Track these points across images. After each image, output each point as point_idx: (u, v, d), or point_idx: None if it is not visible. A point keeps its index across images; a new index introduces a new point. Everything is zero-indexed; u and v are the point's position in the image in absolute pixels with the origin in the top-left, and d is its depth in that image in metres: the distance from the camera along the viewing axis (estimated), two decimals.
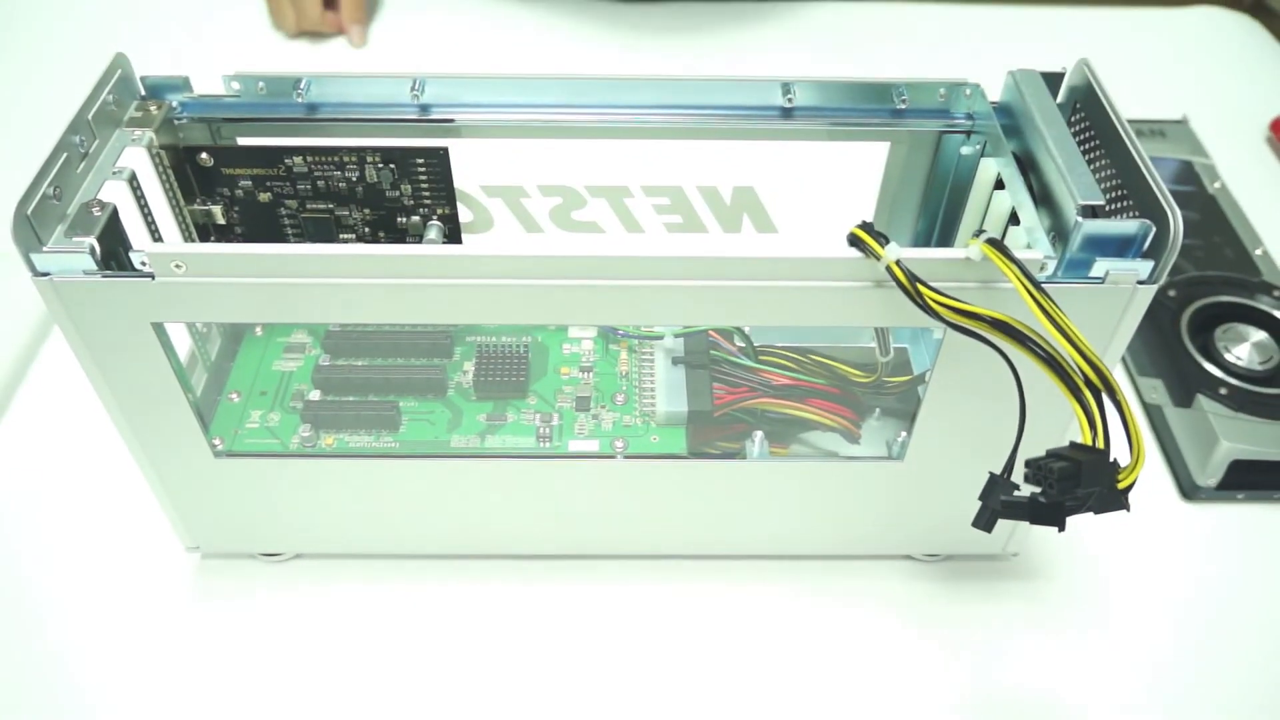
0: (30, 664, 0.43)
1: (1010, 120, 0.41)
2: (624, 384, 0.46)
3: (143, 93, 0.42)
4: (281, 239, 0.44)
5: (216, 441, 0.41)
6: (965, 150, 0.44)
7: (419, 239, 0.44)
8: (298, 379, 0.46)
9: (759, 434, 0.44)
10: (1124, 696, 0.43)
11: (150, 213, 0.41)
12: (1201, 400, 0.51)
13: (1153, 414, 0.53)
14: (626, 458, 0.43)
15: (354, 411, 0.44)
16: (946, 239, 0.46)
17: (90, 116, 0.38)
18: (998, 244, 0.33)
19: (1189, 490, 0.50)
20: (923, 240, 0.48)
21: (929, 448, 0.41)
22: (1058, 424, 0.40)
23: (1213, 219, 0.63)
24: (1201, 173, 0.67)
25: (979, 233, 0.34)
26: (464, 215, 0.45)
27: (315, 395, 0.45)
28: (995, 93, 0.43)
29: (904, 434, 0.42)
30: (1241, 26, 0.88)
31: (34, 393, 0.54)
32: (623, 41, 0.80)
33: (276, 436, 0.44)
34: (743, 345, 0.47)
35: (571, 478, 0.43)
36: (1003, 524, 0.37)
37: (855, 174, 0.48)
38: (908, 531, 0.46)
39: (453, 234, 0.44)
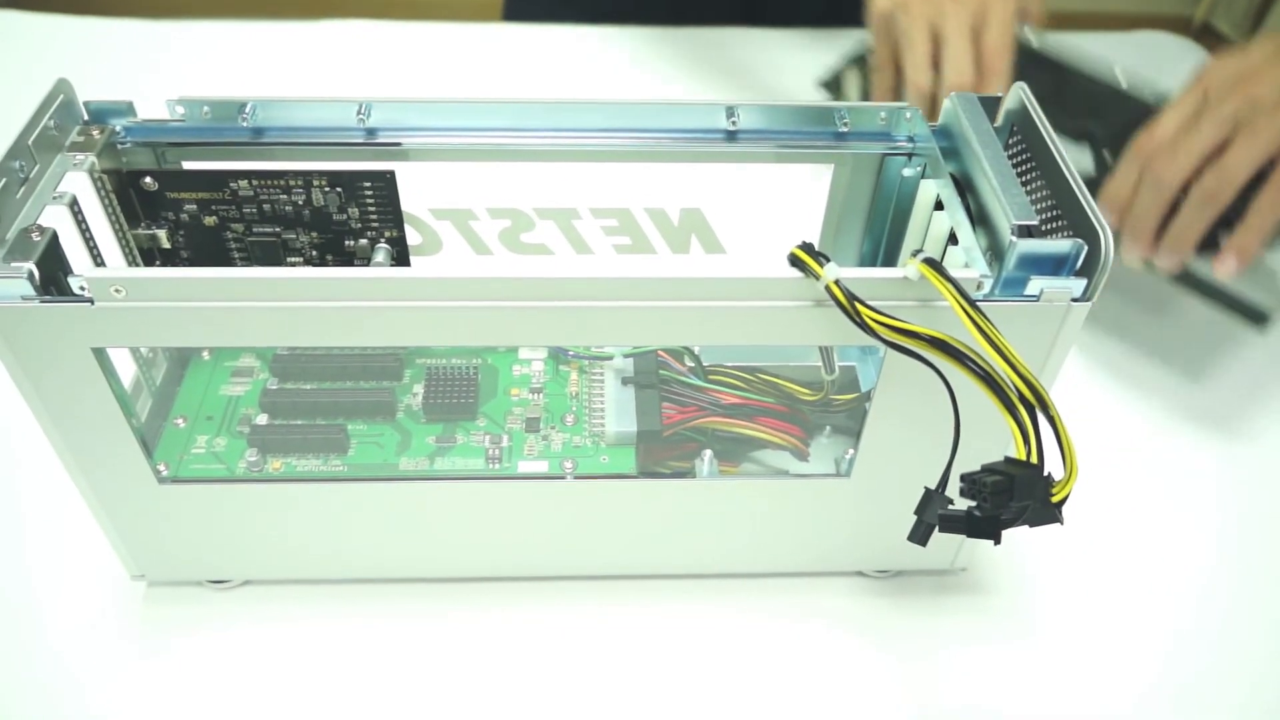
0: None
1: (949, 143, 0.42)
2: (574, 404, 0.46)
3: (85, 117, 0.41)
4: (228, 263, 0.44)
5: (161, 467, 0.41)
6: (907, 172, 0.44)
7: (367, 262, 0.44)
8: (245, 403, 0.46)
9: (708, 453, 0.44)
10: (1070, 709, 0.44)
11: (92, 237, 0.40)
12: None
13: None
14: (576, 478, 0.43)
15: (302, 435, 0.44)
16: (891, 259, 0.47)
17: (30, 141, 0.38)
18: (934, 263, 0.34)
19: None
20: (868, 261, 0.49)
21: (875, 464, 0.42)
22: (997, 440, 0.40)
23: None
24: None
25: (917, 252, 0.35)
26: (412, 238, 0.45)
27: (263, 419, 0.45)
28: None
29: (851, 451, 0.43)
30: (1188, 51, 0.90)
31: None
32: (574, 65, 0.81)
33: (223, 462, 0.43)
34: (692, 365, 0.47)
35: (521, 499, 0.43)
36: (950, 539, 0.37)
37: (801, 196, 0.49)
38: (858, 548, 0.47)
39: (401, 257, 0.44)
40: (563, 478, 0.43)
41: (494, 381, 0.47)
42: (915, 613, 0.47)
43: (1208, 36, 2.28)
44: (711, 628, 0.46)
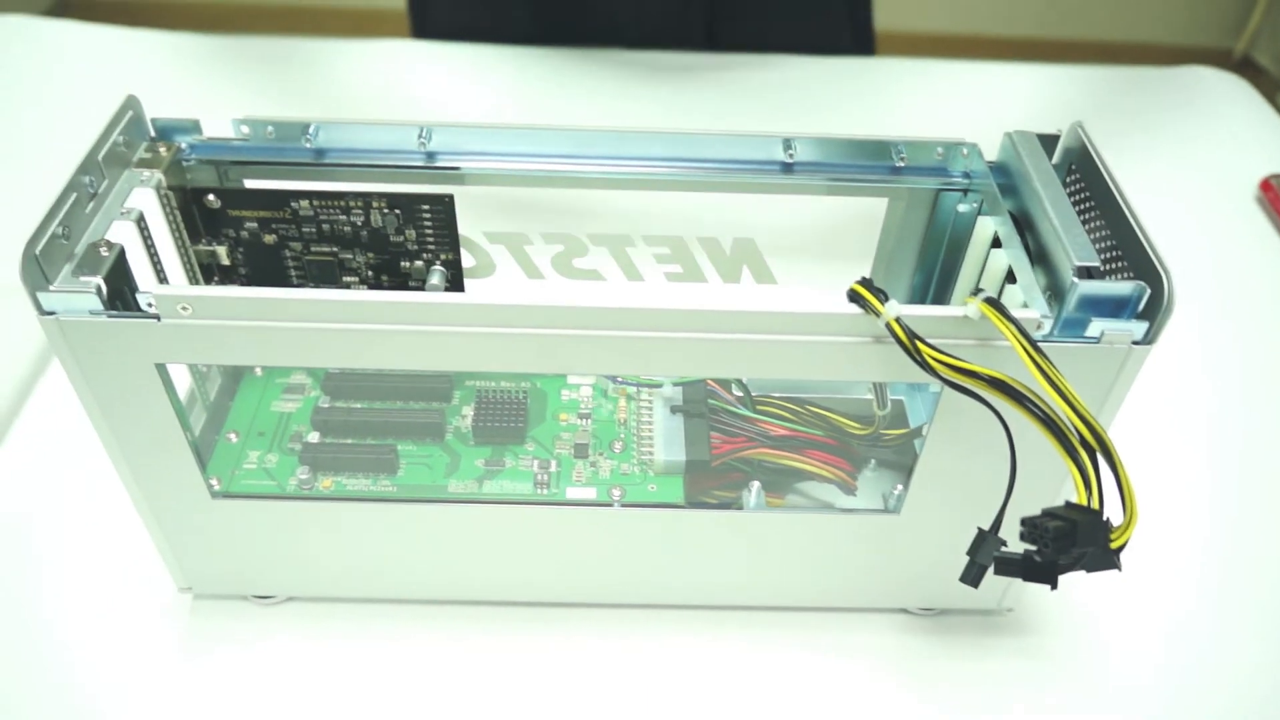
0: (19, 703, 0.43)
1: (1006, 179, 0.42)
2: (622, 431, 0.46)
3: (153, 134, 0.42)
4: (285, 281, 0.45)
5: (214, 482, 0.41)
6: (962, 207, 0.44)
7: (422, 284, 0.45)
8: (296, 420, 0.46)
9: (756, 484, 0.44)
10: None
11: (156, 253, 0.41)
12: None
13: None
14: (624, 506, 0.43)
15: (352, 454, 0.44)
16: (943, 292, 0.47)
17: (100, 157, 0.38)
18: (996, 303, 0.34)
19: None
20: (919, 293, 0.49)
21: (926, 502, 0.42)
22: (1052, 480, 0.40)
23: None
24: None
25: (977, 291, 0.35)
26: (466, 261, 0.45)
27: (314, 437, 0.45)
28: (990, 149, 0.44)
29: (900, 487, 0.43)
30: (1232, 86, 0.89)
31: (29, 427, 0.54)
32: (623, 89, 0.81)
33: (274, 478, 0.44)
34: (740, 395, 0.47)
35: (569, 525, 0.43)
36: (998, 579, 0.37)
37: (854, 227, 0.49)
38: (904, 584, 0.46)
39: (455, 279, 0.45)
40: (610, 505, 0.43)
41: (543, 406, 0.47)
42: (961, 653, 0.46)
43: (1248, 70, 2.27)
44: (753, 661, 0.46)
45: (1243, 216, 0.73)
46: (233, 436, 0.45)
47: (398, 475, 0.44)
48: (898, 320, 0.34)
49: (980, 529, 0.36)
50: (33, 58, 0.82)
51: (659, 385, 0.48)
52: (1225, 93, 0.88)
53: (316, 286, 0.45)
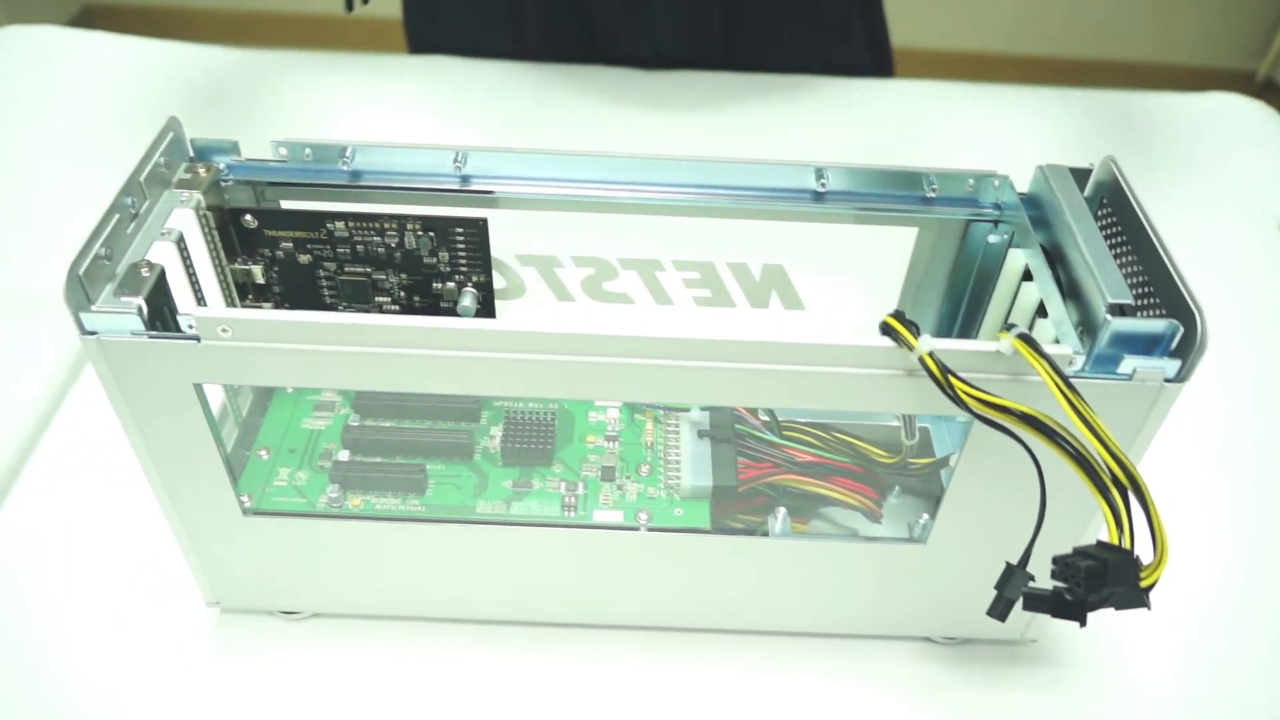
0: (46, 714, 0.43)
1: (1038, 211, 0.42)
2: (649, 455, 0.47)
3: (192, 155, 0.43)
4: (318, 300, 0.45)
5: (245, 499, 0.42)
6: (992, 239, 0.44)
7: (453, 305, 0.45)
8: (326, 437, 0.47)
9: (782, 510, 0.44)
10: None
11: (194, 272, 0.42)
12: None
13: None
14: (650, 530, 0.43)
15: (382, 474, 0.45)
16: (970, 322, 0.47)
17: (142, 179, 0.39)
18: (1029, 339, 0.34)
19: None
20: (946, 322, 0.49)
21: (953, 533, 0.42)
22: (1081, 515, 0.40)
23: None
24: None
25: (1009, 326, 0.35)
26: (497, 282, 0.45)
27: (344, 455, 0.46)
28: (1019, 177, 0.44)
29: (926, 516, 0.43)
30: (1257, 113, 0.89)
31: (60, 437, 0.55)
32: (654, 111, 0.82)
33: (304, 495, 0.44)
34: (767, 420, 0.47)
35: (595, 548, 0.43)
36: (1023, 611, 0.37)
37: (883, 256, 0.49)
38: (928, 614, 0.46)
39: (487, 301, 0.45)
40: (637, 529, 0.43)
41: (570, 427, 0.48)
42: (985, 684, 0.46)
43: (1270, 93, 2.26)
44: (776, 686, 0.46)
45: (1267, 244, 0.73)
46: (263, 453, 0.46)
47: (426, 495, 0.45)
48: (931, 355, 0.34)
49: (1008, 563, 0.36)
50: (62, 69, 0.83)
51: (686, 409, 0.48)
52: (1251, 120, 0.88)
53: (349, 306, 0.45)
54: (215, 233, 0.43)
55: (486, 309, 0.45)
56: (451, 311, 0.45)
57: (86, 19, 2.16)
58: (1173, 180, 0.78)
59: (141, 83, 0.81)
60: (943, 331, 0.49)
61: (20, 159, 0.74)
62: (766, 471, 0.46)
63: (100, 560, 0.49)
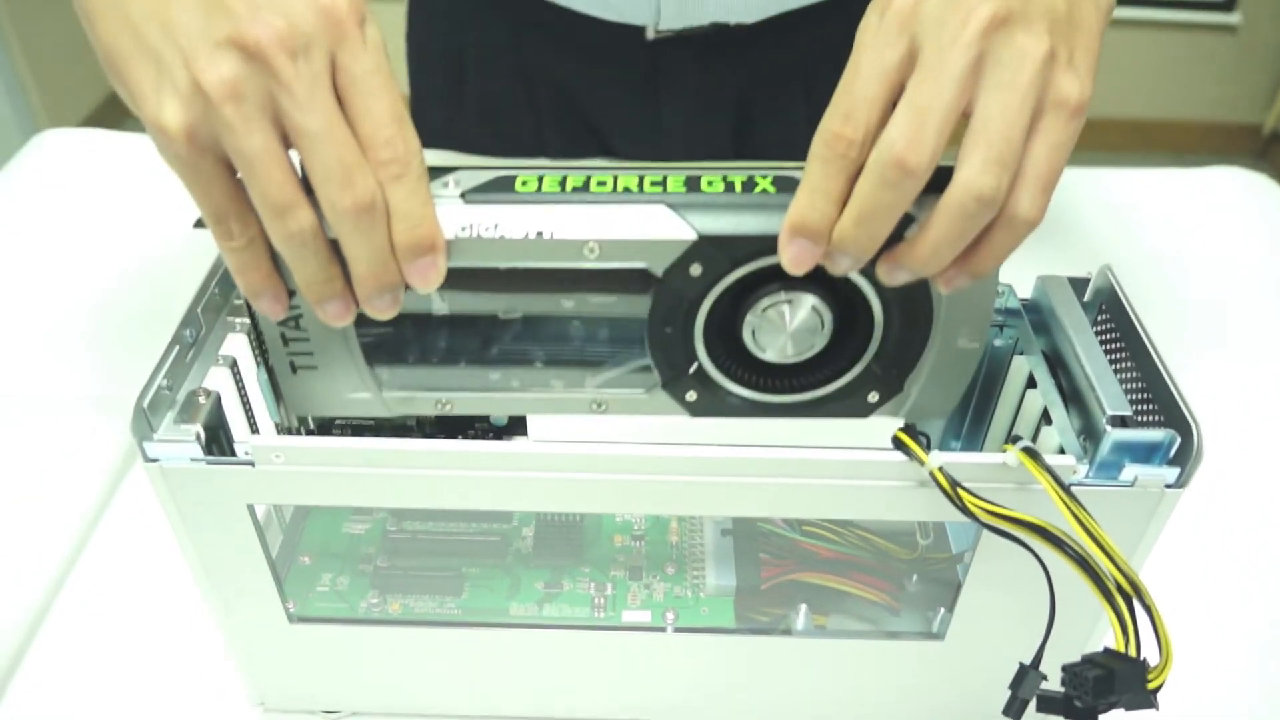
0: None
1: (1038, 316, 0.44)
2: (674, 553, 0.49)
3: None
4: None
5: (290, 605, 0.44)
6: (997, 342, 0.47)
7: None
8: (366, 542, 0.49)
9: (804, 608, 0.46)
10: None
11: (247, 395, 0.44)
12: None
13: None
14: (677, 630, 0.45)
15: (420, 577, 0.47)
16: (976, 424, 0.49)
17: (200, 309, 0.42)
18: (1033, 453, 0.36)
19: None
20: (954, 424, 0.51)
21: (969, 630, 0.43)
22: (1091, 612, 0.42)
23: None
24: None
25: (1015, 439, 0.37)
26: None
27: (383, 561, 0.48)
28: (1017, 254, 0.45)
29: (943, 611, 0.44)
30: (1260, 186, 0.91)
31: (112, 530, 0.57)
32: None
33: (345, 600, 0.46)
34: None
35: (625, 648, 0.45)
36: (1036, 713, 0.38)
37: None
38: (946, 709, 0.47)
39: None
40: (664, 629, 0.45)
41: (598, 527, 0.50)
42: None
43: (1277, 146, 2.28)
44: None
45: (1276, 314, 0.74)
46: (306, 559, 0.48)
47: (462, 598, 0.47)
48: (941, 469, 0.36)
49: (1021, 663, 0.37)
50: (102, 171, 0.87)
51: None
52: (1255, 192, 0.89)
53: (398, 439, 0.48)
54: (264, 356, 0.45)
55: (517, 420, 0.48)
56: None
57: (105, 110, 2.24)
58: (1179, 250, 0.78)
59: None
60: (953, 428, 0.51)
61: (72, 260, 0.77)
62: (788, 569, 0.47)
63: (150, 658, 0.51)
